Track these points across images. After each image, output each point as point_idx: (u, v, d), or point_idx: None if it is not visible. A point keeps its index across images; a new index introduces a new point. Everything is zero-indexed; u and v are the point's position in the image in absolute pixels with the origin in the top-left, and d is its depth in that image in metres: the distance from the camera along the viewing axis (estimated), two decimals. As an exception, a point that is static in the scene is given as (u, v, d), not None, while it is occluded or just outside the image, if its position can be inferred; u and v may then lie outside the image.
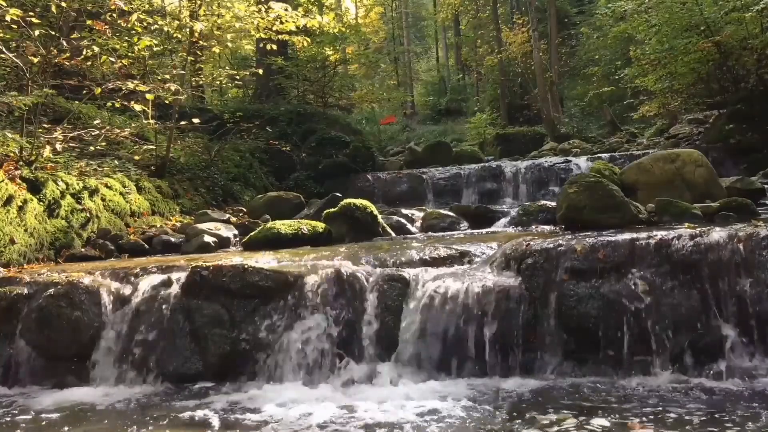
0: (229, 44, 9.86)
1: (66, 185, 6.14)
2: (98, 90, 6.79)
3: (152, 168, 8.36)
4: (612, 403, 3.28)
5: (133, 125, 8.61)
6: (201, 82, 15.47)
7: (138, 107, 7.31)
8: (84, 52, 7.06)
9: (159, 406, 3.64)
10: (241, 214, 8.21)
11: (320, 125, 13.23)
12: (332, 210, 6.36)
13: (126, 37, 7.72)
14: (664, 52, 12.18)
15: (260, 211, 7.96)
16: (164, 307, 4.25)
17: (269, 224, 6.31)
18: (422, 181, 11.07)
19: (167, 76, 8.07)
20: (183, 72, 8.75)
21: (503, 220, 6.97)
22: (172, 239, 6.44)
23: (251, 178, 10.56)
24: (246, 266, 4.25)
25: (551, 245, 4.11)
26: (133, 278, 4.53)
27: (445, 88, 32.97)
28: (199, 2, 8.52)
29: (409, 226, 6.86)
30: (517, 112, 25.06)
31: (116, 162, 7.92)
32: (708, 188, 6.47)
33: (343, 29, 15.71)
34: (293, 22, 8.40)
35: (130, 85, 6.95)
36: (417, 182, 11.10)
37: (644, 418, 3.00)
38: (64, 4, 7.01)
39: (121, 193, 6.99)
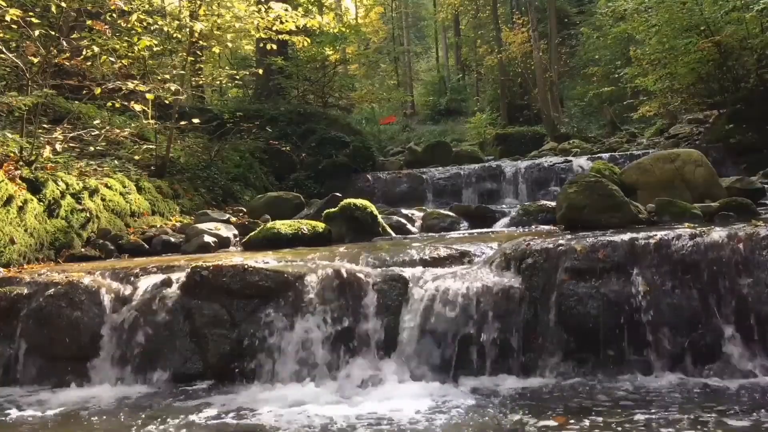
0: (229, 44, 9.86)
1: (66, 185, 6.14)
2: (98, 90, 6.79)
3: (152, 168, 8.36)
4: (612, 403, 3.28)
5: (133, 125, 8.62)
6: (201, 82, 15.46)
7: (138, 107, 7.32)
8: (84, 52, 7.07)
9: (159, 406, 3.64)
10: (241, 214, 8.21)
11: (320, 125, 13.23)
12: (332, 210, 6.36)
13: (126, 37, 7.72)
14: (664, 52, 12.19)
15: (260, 211, 7.96)
16: (164, 307, 4.24)
17: (269, 224, 6.31)
18: (422, 181, 11.08)
19: (167, 76, 8.07)
20: (183, 72, 8.75)
21: (503, 220, 6.98)
22: (172, 239, 6.44)
23: (251, 178, 10.56)
24: (246, 266, 4.25)
25: (551, 245, 4.11)
26: (133, 278, 4.53)
27: (445, 88, 32.96)
28: (199, 2, 8.52)
29: (409, 226, 6.86)
30: (517, 112, 25.07)
31: (116, 162, 7.93)
32: (708, 188, 6.47)
33: (343, 29, 15.72)
34: (293, 22, 8.40)
35: (130, 85, 6.95)
36: (417, 182, 11.10)
37: (644, 419, 3.00)
38: (64, 4, 7.01)
39: (121, 193, 6.99)
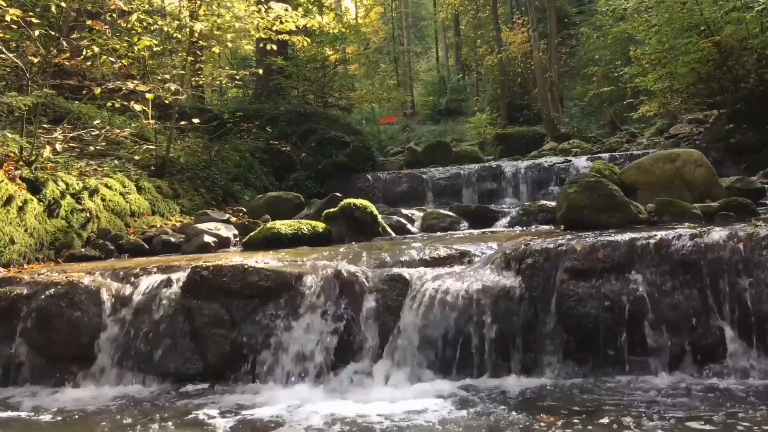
0: (229, 44, 9.86)
1: (66, 185, 6.14)
2: (98, 90, 6.80)
3: (152, 168, 8.37)
4: (612, 403, 3.27)
5: (133, 125, 8.62)
6: (201, 82, 15.47)
7: (138, 107, 7.32)
8: (84, 52, 7.07)
9: (159, 406, 3.64)
10: (241, 214, 8.22)
11: (320, 125, 13.24)
12: (332, 210, 6.36)
13: (126, 37, 7.72)
14: (664, 52, 12.19)
15: (260, 211, 7.97)
16: (164, 307, 4.25)
17: (269, 224, 6.31)
18: (422, 181, 11.09)
19: (167, 76, 8.07)
20: (183, 72, 8.75)
21: (503, 220, 6.98)
22: (172, 239, 6.44)
23: (251, 178, 10.57)
24: (246, 266, 4.25)
25: (551, 245, 4.11)
26: (133, 278, 4.53)
27: (445, 88, 32.95)
28: (199, 2, 8.52)
29: (409, 226, 6.86)
30: (517, 112, 25.06)
31: (116, 162, 7.93)
32: (708, 188, 6.47)
33: (343, 29, 15.72)
34: (293, 22, 8.40)
35: (130, 85, 6.96)
36: (417, 182, 11.11)
37: (643, 418, 3.00)
38: (64, 4, 7.01)
39: (121, 193, 7.00)
